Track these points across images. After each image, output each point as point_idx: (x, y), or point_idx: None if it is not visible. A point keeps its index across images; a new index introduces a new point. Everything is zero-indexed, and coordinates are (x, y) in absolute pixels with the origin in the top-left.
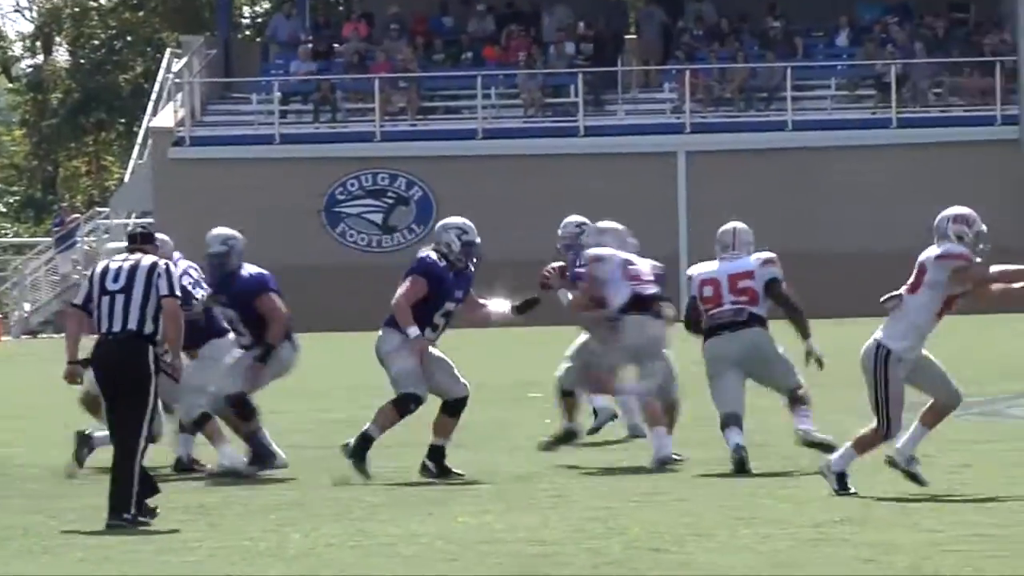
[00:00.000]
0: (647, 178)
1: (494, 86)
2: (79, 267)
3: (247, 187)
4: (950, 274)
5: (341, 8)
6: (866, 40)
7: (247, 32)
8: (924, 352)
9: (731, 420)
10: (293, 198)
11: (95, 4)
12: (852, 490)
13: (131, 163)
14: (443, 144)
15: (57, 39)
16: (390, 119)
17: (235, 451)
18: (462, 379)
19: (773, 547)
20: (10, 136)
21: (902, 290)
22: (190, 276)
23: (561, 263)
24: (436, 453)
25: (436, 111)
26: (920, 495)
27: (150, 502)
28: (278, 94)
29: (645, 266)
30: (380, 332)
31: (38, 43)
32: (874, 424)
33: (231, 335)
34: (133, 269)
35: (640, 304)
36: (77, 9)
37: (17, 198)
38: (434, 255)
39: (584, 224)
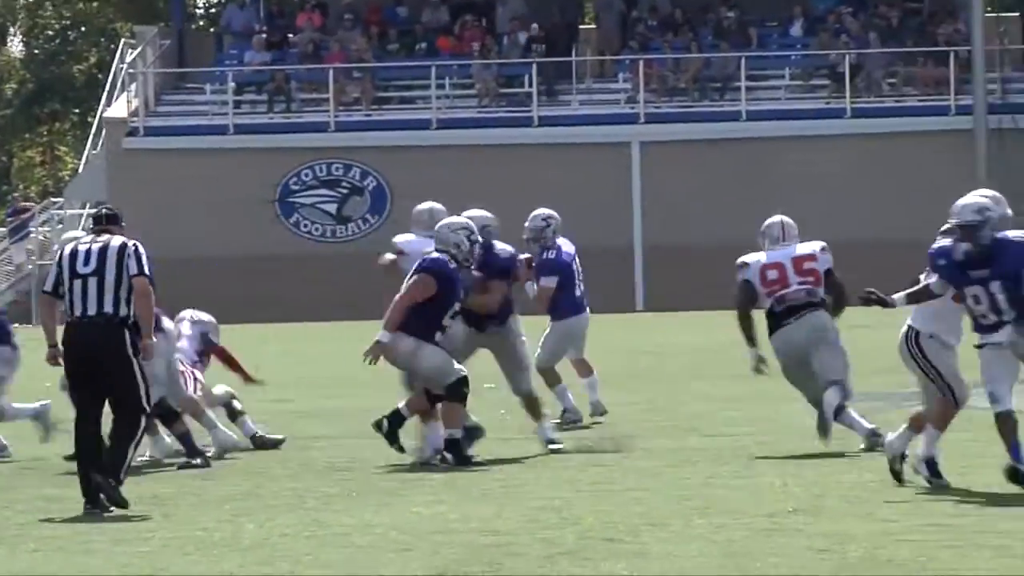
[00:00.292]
0: (601, 168)
1: (448, 76)
2: (33, 257)
3: (201, 177)
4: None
5: None
6: (820, 30)
7: (201, 22)
8: (954, 344)
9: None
10: (247, 188)
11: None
12: (944, 479)
13: (85, 153)
14: (397, 134)
15: (11, 29)
16: (344, 109)
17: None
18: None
19: (727, 537)
20: None
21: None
22: None
23: (528, 255)
24: (453, 445)
25: (390, 101)
26: (873, 484)
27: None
28: (232, 84)
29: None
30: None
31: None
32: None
33: None
34: (103, 251)
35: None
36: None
37: None
38: (446, 256)
39: (551, 217)
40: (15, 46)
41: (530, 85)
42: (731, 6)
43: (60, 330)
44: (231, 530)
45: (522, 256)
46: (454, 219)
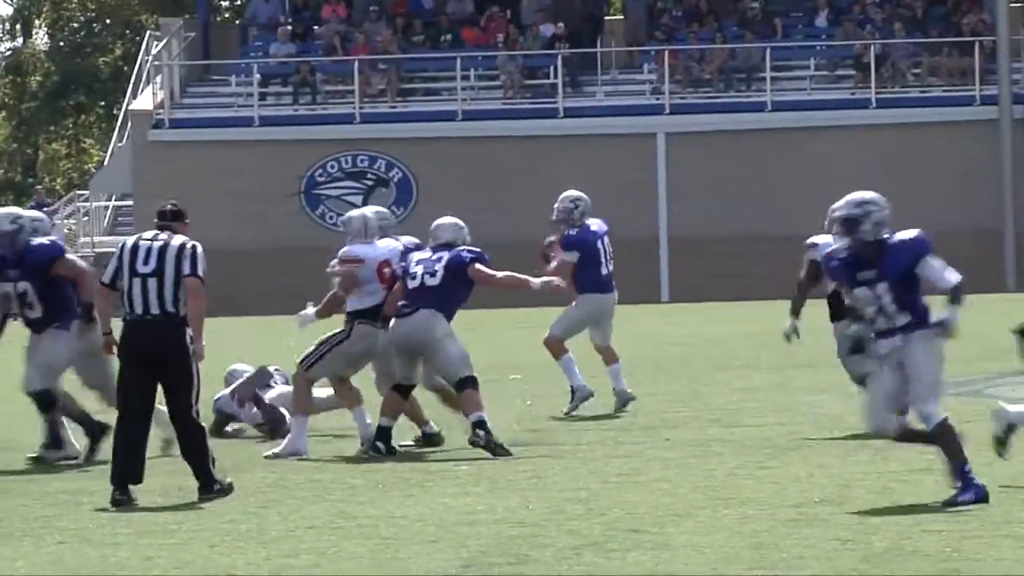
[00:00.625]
0: (627, 159)
1: (473, 68)
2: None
3: (227, 169)
4: None
5: None
6: (845, 20)
7: (226, 15)
8: None
9: None
10: (273, 180)
11: None
12: None
13: (111, 146)
14: (423, 126)
15: (36, 22)
16: (369, 101)
17: None
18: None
19: (752, 528)
20: None
21: None
22: None
23: (553, 238)
24: (483, 424)
25: (416, 93)
26: (899, 475)
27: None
28: (258, 76)
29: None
30: (423, 316)
31: (18, 26)
32: None
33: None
34: (163, 250)
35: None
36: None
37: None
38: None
39: (579, 199)
40: (40, 38)
41: (555, 76)
42: None
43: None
44: (256, 522)
45: (551, 238)
46: (452, 218)
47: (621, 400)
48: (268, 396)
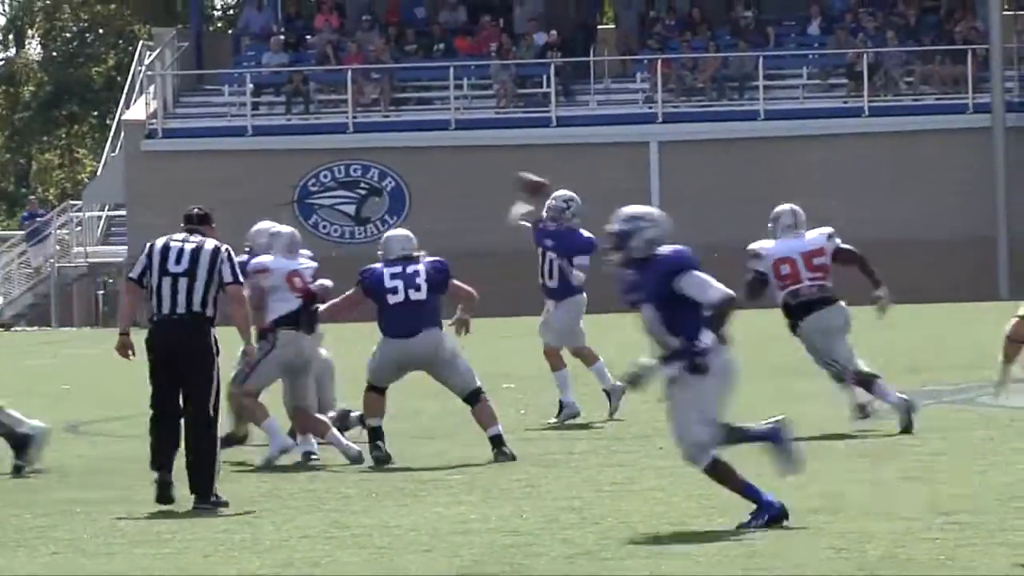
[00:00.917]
0: (619, 168)
1: (466, 77)
2: (51, 260)
3: (220, 179)
4: None
5: (325, 1)
6: (837, 29)
7: (219, 24)
8: None
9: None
10: (266, 190)
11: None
12: None
13: (104, 156)
14: (416, 135)
15: (29, 32)
16: (362, 110)
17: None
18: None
19: (747, 537)
20: None
21: None
22: None
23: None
24: (500, 440)
25: (408, 102)
26: (893, 483)
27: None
28: (250, 86)
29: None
30: (431, 336)
31: (10, 36)
32: None
33: None
34: (196, 252)
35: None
36: (49, 2)
37: None
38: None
39: (571, 200)
40: (33, 49)
41: (548, 85)
42: (749, 5)
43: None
44: (251, 532)
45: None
46: (403, 231)
47: (616, 395)
48: None
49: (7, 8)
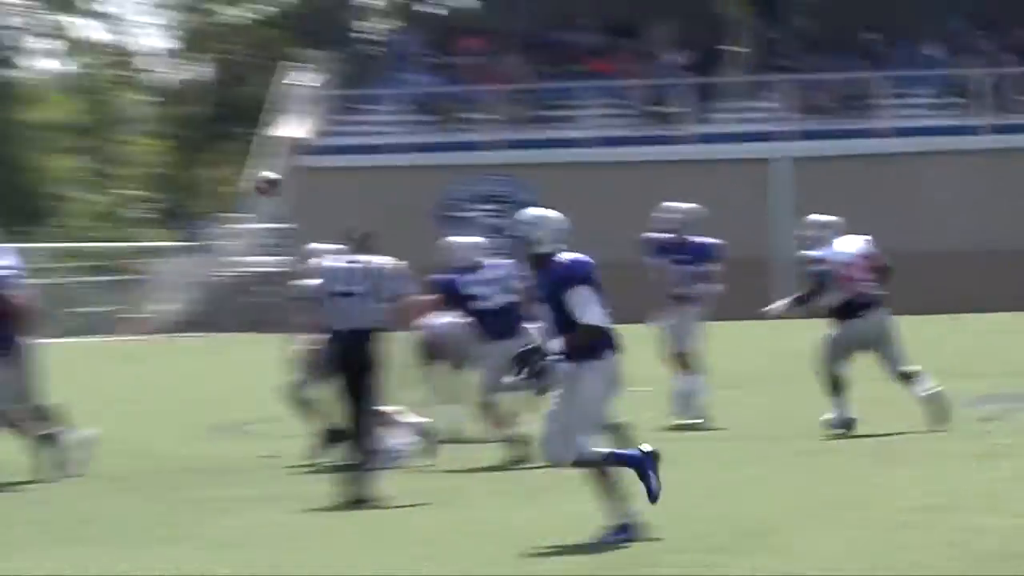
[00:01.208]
0: (747, 184)
1: (603, 96)
2: (215, 270)
3: (373, 194)
4: None
5: (469, 25)
6: (957, 51)
7: (371, 47)
8: None
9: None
10: (418, 204)
11: (233, 23)
12: None
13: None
14: (555, 152)
15: (198, 55)
16: (506, 128)
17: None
18: None
19: (858, 533)
20: (149, 145)
21: None
22: None
23: None
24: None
25: (548, 120)
26: (1007, 480)
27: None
28: (400, 106)
29: None
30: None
31: (178, 61)
32: None
33: None
34: (367, 271)
35: None
36: (215, 28)
37: (161, 204)
38: None
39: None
40: (202, 70)
41: (681, 105)
42: (873, 28)
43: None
44: (420, 522)
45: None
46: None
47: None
48: None
49: (179, 32)
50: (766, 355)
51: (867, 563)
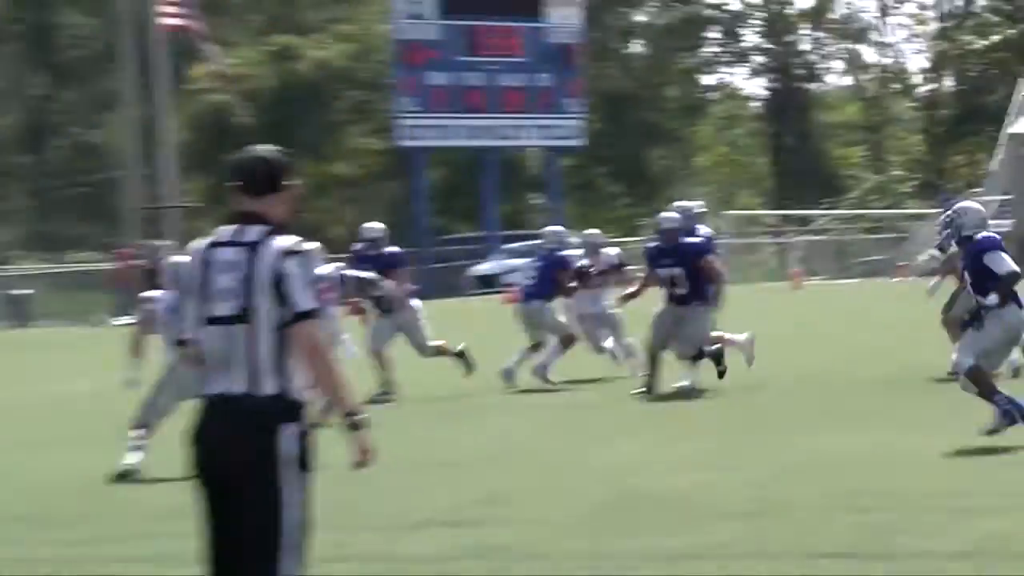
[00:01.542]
0: None
1: None
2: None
3: None
4: None
5: None
6: None
7: None
8: None
9: None
10: None
11: (972, 48)
12: None
13: (995, 158)
14: None
15: (944, 71)
16: None
17: None
18: None
19: None
20: (911, 139)
21: None
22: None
23: None
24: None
25: None
26: None
27: None
28: None
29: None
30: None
31: (932, 74)
32: None
33: None
34: None
35: None
36: (959, 51)
37: (916, 182)
38: None
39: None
40: (948, 83)
41: None
42: None
43: None
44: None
45: None
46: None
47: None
48: None
49: (929, 55)
50: None
51: None
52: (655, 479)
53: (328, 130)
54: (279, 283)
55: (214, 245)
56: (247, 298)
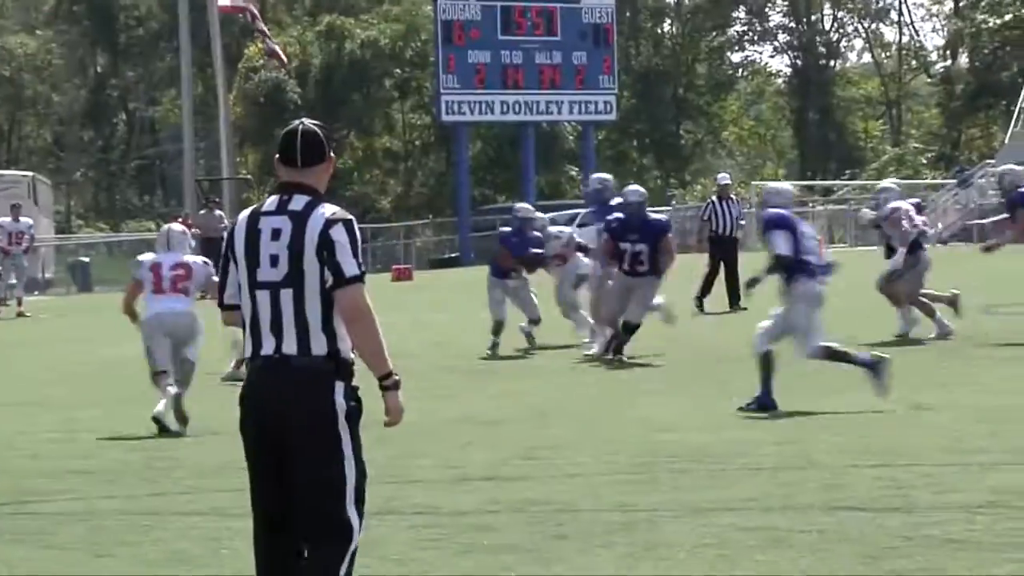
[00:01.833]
0: None
1: None
2: (974, 201)
3: None
4: None
5: None
6: None
7: None
8: None
9: None
10: None
11: (985, 26)
12: None
13: (1008, 130)
14: None
15: (960, 48)
16: None
17: None
18: None
19: None
20: (928, 113)
21: None
22: None
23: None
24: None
25: None
26: None
27: None
28: None
29: None
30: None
31: (948, 51)
32: None
33: None
34: None
35: None
36: (973, 29)
37: (932, 154)
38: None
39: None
40: (962, 59)
41: None
42: None
43: None
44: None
45: None
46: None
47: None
48: None
49: (945, 32)
50: None
51: None
52: (685, 436)
53: (374, 106)
54: (325, 249)
55: (262, 214)
56: (295, 264)
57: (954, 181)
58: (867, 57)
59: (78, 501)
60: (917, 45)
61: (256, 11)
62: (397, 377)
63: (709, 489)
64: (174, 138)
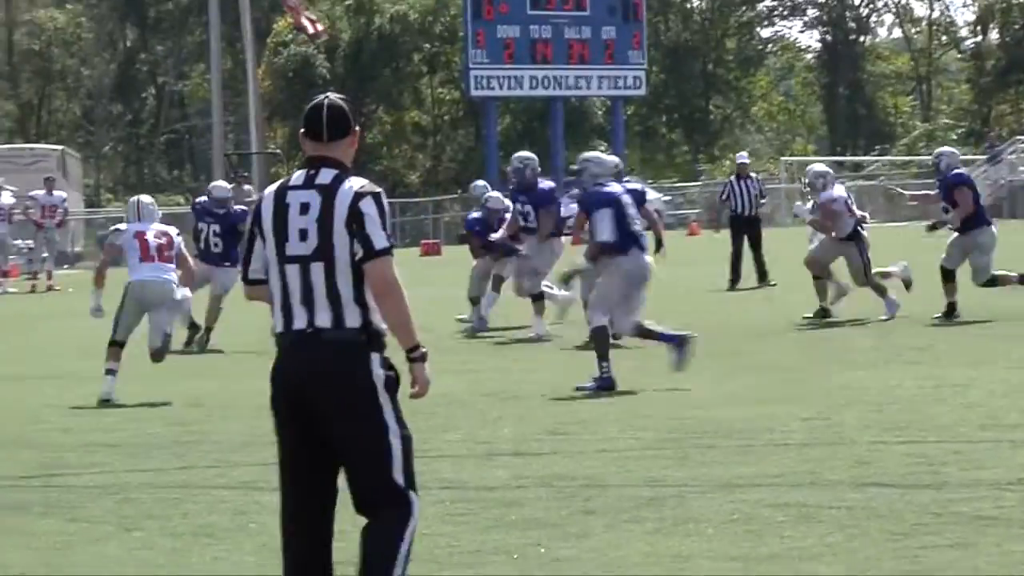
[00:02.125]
0: None
1: None
2: (1007, 175)
3: None
4: None
5: None
6: None
7: None
8: None
9: None
10: None
11: (1016, 2)
12: None
13: None
14: None
15: (991, 24)
16: None
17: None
18: None
19: None
20: (958, 89)
21: None
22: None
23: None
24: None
25: None
26: None
27: None
28: None
29: None
30: None
31: (978, 27)
32: None
33: None
34: None
35: None
36: (1003, 5)
37: (963, 130)
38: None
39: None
40: (993, 35)
41: None
42: None
43: None
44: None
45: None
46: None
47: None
48: None
49: (977, 8)
50: None
51: None
52: (713, 412)
53: (403, 81)
54: (354, 222)
55: (289, 188)
56: (324, 237)
57: (984, 157)
58: (897, 32)
59: (107, 474)
60: (948, 20)
61: None
62: (424, 350)
63: (738, 465)
64: (203, 112)
